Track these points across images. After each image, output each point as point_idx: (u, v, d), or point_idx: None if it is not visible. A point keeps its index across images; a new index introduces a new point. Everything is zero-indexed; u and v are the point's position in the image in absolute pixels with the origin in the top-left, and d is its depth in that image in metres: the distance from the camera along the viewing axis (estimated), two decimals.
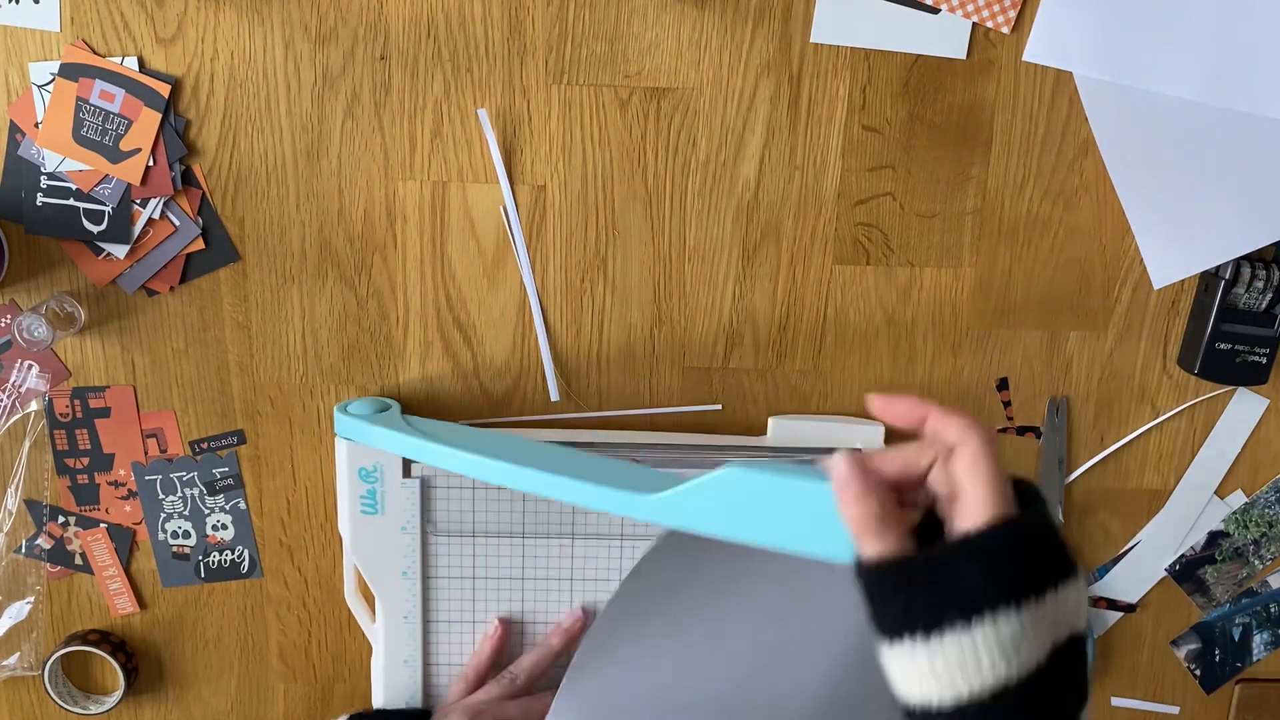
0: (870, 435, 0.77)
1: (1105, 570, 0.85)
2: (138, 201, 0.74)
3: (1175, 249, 0.76)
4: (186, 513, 0.81)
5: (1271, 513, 0.84)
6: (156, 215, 0.74)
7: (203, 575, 0.82)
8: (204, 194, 0.74)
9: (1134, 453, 0.82)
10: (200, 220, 0.75)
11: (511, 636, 0.79)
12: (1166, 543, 0.84)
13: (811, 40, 0.73)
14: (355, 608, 0.80)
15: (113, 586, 0.82)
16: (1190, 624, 0.86)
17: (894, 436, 0.80)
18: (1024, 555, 0.47)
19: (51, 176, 0.73)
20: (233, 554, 0.82)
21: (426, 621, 0.78)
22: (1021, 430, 0.81)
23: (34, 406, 0.78)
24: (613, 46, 0.73)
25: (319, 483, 0.80)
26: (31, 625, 0.82)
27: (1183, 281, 0.78)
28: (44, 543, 0.81)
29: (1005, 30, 0.73)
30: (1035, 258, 0.78)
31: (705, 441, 0.78)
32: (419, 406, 0.79)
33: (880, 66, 0.74)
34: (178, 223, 0.75)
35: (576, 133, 0.74)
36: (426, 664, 0.79)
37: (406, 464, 0.75)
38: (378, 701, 0.80)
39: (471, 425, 0.79)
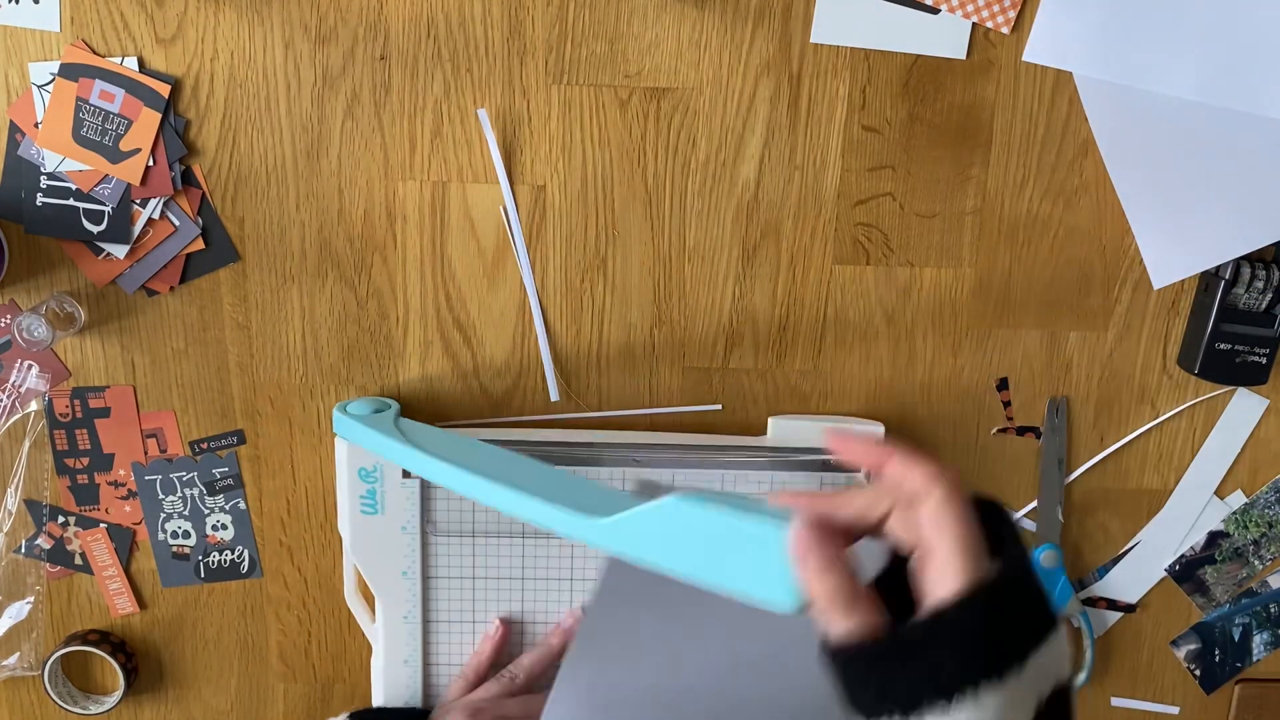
0: (870, 435, 0.77)
1: (1105, 570, 0.85)
2: (138, 201, 0.74)
3: (1175, 249, 0.76)
4: (186, 513, 0.81)
5: (1271, 513, 0.84)
6: (156, 215, 0.74)
7: (202, 575, 0.82)
8: (204, 194, 0.74)
9: (1134, 453, 0.82)
10: (200, 220, 0.75)
11: (511, 636, 0.79)
12: (1166, 543, 0.84)
13: (811, 40, 0.73)
14: (355, 608, 0.80)
15: (112, 586, 0.82)
16: (1190, 624, 0.86)
17: (894, 436, 0.80)
18: (1002, 624, 0.44)
19: (51, 176, 0.73)
20: (233, 554, 0.82)
21: (426, 621, 0.78)
22: (1021, 430, 0.81)
23: (34, 406, 0.78)
24: (613, 46, 0.73)
25: (319, 483, 0.80)
26: (31, 625, 0.82)
27: (1183, 281, 0.78)
28: (44, 543, 0.81)
29: (1005, 30, 0.73)
30: (1035, 258, 0.78)
31: (705, 441, 0.78)
32: (419, 406, 0.79)
33: (880, 66, 0.74)
34: (178, 223, 0.75)
35: (576, 133, 0.74)
36: (426, 664, 0.79)
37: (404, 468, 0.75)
38: (378, 701, 0.80)
39: (470, 425, 0.79)
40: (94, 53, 0.72)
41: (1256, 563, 0.85)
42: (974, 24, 0.73)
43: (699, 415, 0.80)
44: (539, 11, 0.72)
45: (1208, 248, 0.75)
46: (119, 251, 0.75)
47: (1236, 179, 0.74)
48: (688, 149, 0.75)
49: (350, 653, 0.84)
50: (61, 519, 0.80)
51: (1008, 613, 0.44)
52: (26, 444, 0.79)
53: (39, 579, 0.81)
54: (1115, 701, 0.88)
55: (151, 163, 0.73)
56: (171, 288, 0.76)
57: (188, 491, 0.80)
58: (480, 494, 0.64)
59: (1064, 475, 0.82)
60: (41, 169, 0.73)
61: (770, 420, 0.79)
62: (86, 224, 0.74)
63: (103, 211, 0.74)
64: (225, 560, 0.82)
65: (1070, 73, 0.74)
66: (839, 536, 0.47)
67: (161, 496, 0.80)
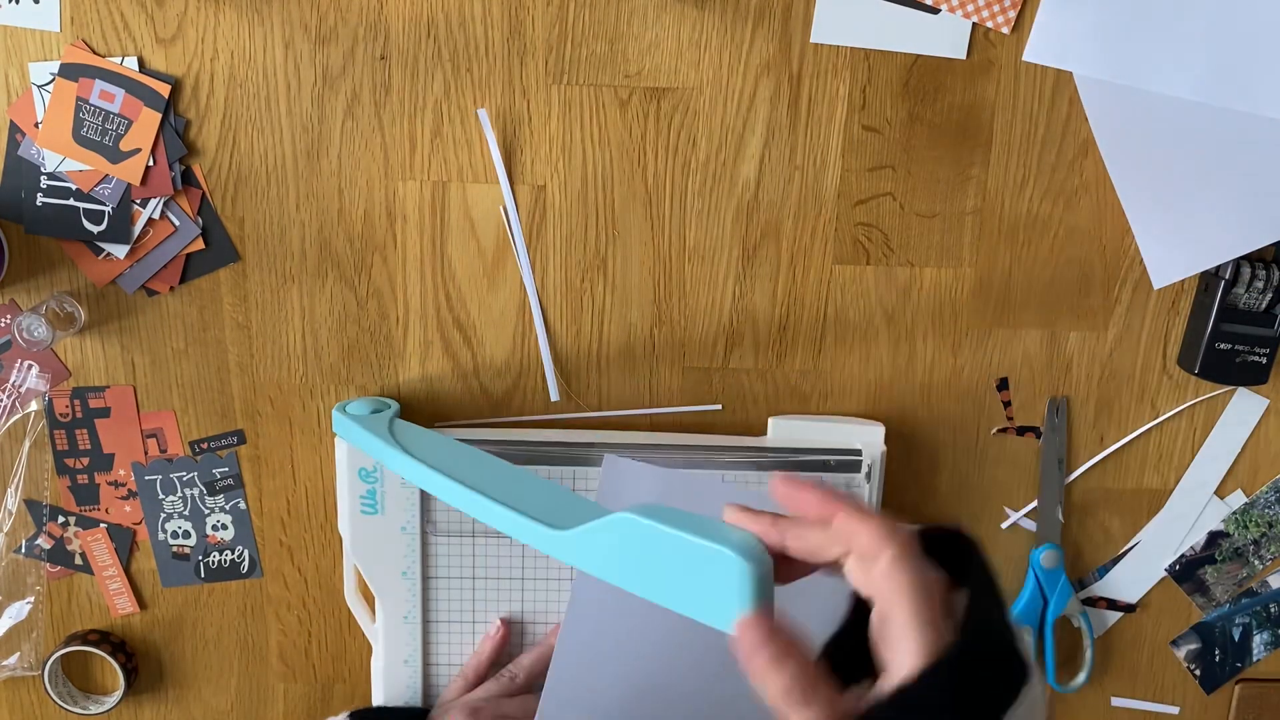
0: (870, 436, 0.77)
1: (1105, 570, 0.85)
2: (138, 201, 0.74)
3: (1175, 249, 0.76)
4: (186, 513, 0.81)
5: (1271, 513, 0.84)
6: (156, 215, 0.74)
7: (203, 575, 0.82)
8: (204, 194, 0.74)
9: (1134, 453, 0.82)
10: (200, 220, 0.75)
11: (511, 636, 0.79)
12: (1166, 543, 0.84)
13: (811, 40, 0.73)
14: (355, 608, 0.80)
15: (113, 586, 0.82)
16: (1190, 624, 0.86)
17: (893, 437, 0.80)
18: (971, 691, 0.41)
19: (51, 176, 0.73)
20: (233, 554, 0.82)
21: (426, 621, 0.78)
22: (1021, 430, 0.81)
23: (34, 406, 0.78)
24: (613, 46, 0.73)
25: (319, 483, 0.80)
26: (31, 625, 0.82)
27: (1183, 281, 0.78)
28: (44, 543, 0.81)
29: (1005, 30, 0.73)
30: (1035, 258, 0.78)
31: (705, 441, 0.77)
32: (419, 406, 0.79)
33: (880, 66, 0.74)
34: (178, 223, 0.75)
35: (576, 133, 0.74)
36: (426, 664, 0.79)
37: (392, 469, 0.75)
38: (378, 702, 0.80)
39: (470, 425, 0.79)
40: (94, 53, 0.72)
41: (1256, 563, 0.85)
42: (974, 24, 0.73)
43: (699, 415, 0.80)
44: (539, 11, 0.72)
45: (1208, 248, 0.75)
46: (119, 251, 0.75)
47: (1236, 179, 0.74)
48: (688, 149, 0.75)
49: (350, 653, 0.84)
50: (61, 519, 0.80)
51: (976, 677, 0.42)
52: (26, 444, 0.79)
53: (39, 579, 0.81)
54: (1115, 701, 0.88)
55: (151, 163, 0.73)
56: (171, 288, 0.76)
57: (188, 491, 0.80)
58: (451, 498, 0.64)
59: (1064, 475, 0.82)
60: (41, 169, 0.73)
61: (770, 420, 0.79)
62: (86, 224, 0.74)
63: (103, 211, 0.74)
64: (225, 560, 0.82)
65: (1070, 73, 0.74)
66: (785, 633, 0.44)
67: (161, 496, 0.80)
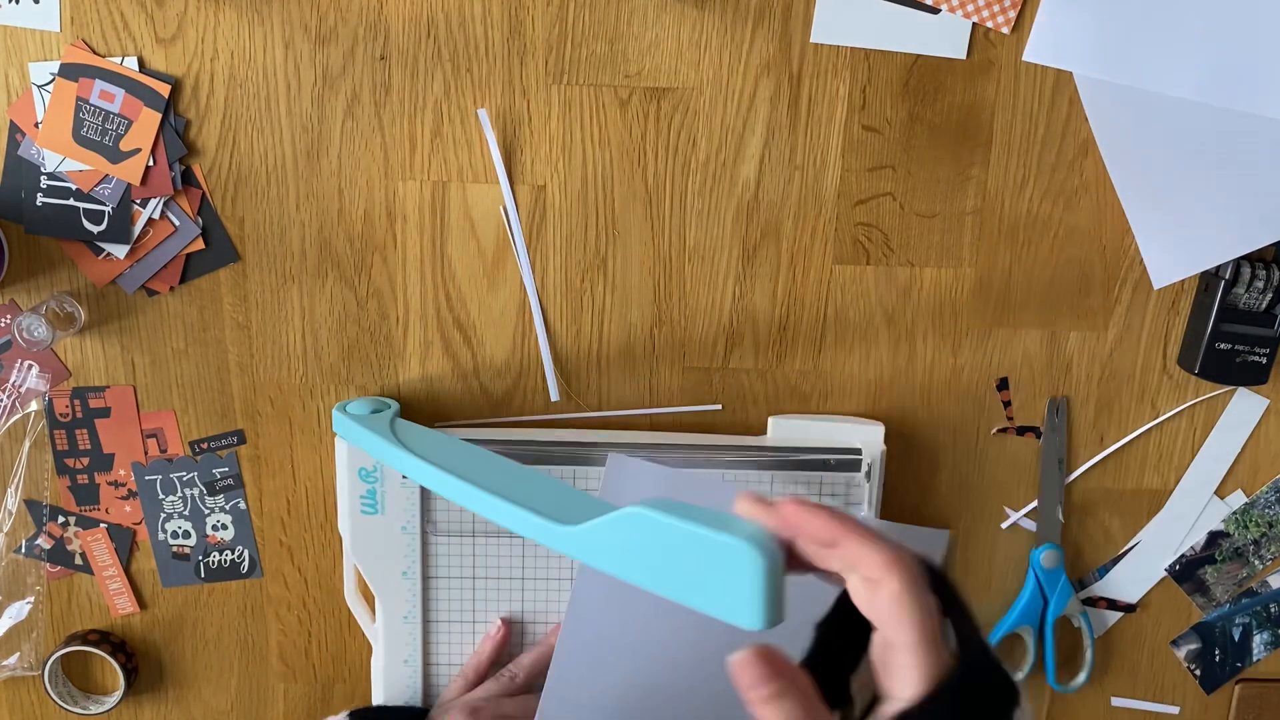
0: (870, 436, 0.77)
1: (1105, 570, 0.85)
2: (138, 201, 0.74)
3: (1175, 249, 0.76)
4: (186, 513, 0.81)
5: (1271, 513, 0.84)
6: (156, 215, 0.74)
7: (203, 575, 0.82)
8: (204, 194, 0.74)
9: (1134, 453, 0.82)
10: (200, 220, 0.75)
11: (511, 636, 0.79)
12: (1166, 543, 0.84)
13: (811, 40, 0.73)
14: (355, 608, 0.80)
15: (113, 586, 0.82)
16: (1190, 624, 0.86)
17: (893, 436, 0.80)
18: (970, 716, 0.42)
19: (51, 176, 0.73)
20: (233, 554, 0.82)
21: (426, 621, 0.78)
22: (1021, 430, 0.81)
23: (34, 406, 0.78)
24: (613, 46, 0.73)
25: (319, 483, 0.80)
26: (31, 625, 0.82)
27: (1183, 281, 0.78)
28: (44, 543, 0.81)
29: (1005, 30, 0.73)
30: (1035, 258, 0.78)
31: (705, 441, 0.78)
32: (419, 406, 0.79)
33: (880, 66, 0.74)
34: (178, 223, 0.75)
35: (576, 133, 0.74)
36: (426, 664, 0.79)
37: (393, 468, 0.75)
38: (378, 702, 0.80)
39: (470, 425, 0.79)
40: (94, 53, 0.72)
41: (1256, 562, 0.85)
42: (974, 24, 0.73)
43: (699, 415, 0.80)
44: (539, 11, 0.72)
45: (1208, 248, 0.75)
46: (119, 251, 0.75)
47: (1236, 179, 0.74)
48: (688, 149, 0.75)
49: (350, 653, 0.84)
50: (61, 519, 0.80)
51: (976, 701, 0.43)
52: (26, 444, 0.79)
53: (39, 579, 0.81)
54: (1115, 701, 0.88)
55: (151, 163, 0.73)
56: (171, 288, 0.76)
57: (188, 491, 0.80)
58: (457, 496, 0.64)
59: (1064, 475, 0.82)
60: (41, 169, 0.73)
61: (770, 420, 0.79)
62: (86, 224, 0.74)
63: (103, 211, 0.74)
64: (225, 560, 0.82)
65: (1070, 73, 0.74)
66: (783, 667, 0.45)
67: (161, 496, 0.80)
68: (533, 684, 0.77)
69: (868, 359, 0.79)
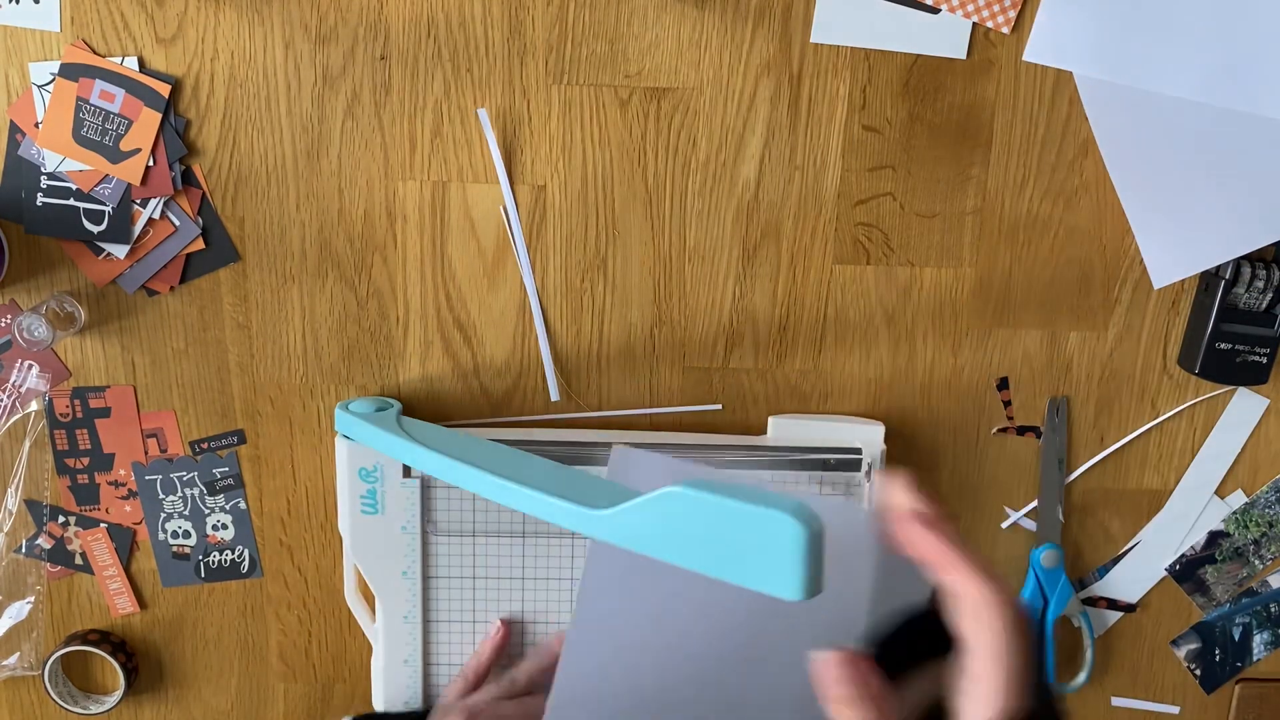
0: (870, 435, 0.77)
1: (1105, 570, 0.85)
2: (138, 201, 0.74)
3: (1175, 249, 0.76)
4: (186, 513, 0.81)
5: (1271, 513, 0.84)
6: (156, 215, 0.74)
7: (203, 575, 0.82)
8: (204, 194, 0.74)
9: (1134, 453, 0.82)
10: (200, 220, 0.75)
11: (512, 637, 0.79)
12: (1167, 542, 0.84)
13: (811, 40, 0.73)
14: (355, 608, 0.80)
15: (113, 586, 0.82)
16: (1190, 624, 0.86)
17: (893, 436, 0.80)
18: None
19: (51, 176, 0.73)
20: (233, 554, 0.82)
21: (426, 621, 0.78)
22: (1021, 430, 0.81)
23: (34, 406, 0.78)
24: (613, 46, 0.73)
25: (319, 483, 0.80)
26: (31, 625, 0.82)
27: (1183, 281, 0.78)
28: (44, 543, 0.81)
29: (1005, 30, 0.73)
30: (1035, 258, 0.78)
31: (705, 441, 0.78)
32: (419, 406, 0.79)
33: (880, 66, 0.74)
34: (178, 223, 0.75)
35: (576, 133, 0.74)
36: (426, 664, 0.79)
37: (406, 464, 0.75)
38: (377, 701, 0.80)
39: (471, 425, 0.79)
40: (94, 53, 0.72)
41: (1257, 562, 0.85)
42: (974, 24, 0.73)
43: (699, 415, 0.80)
44: (539, 11, 0.72)
45: (1208, 248, 0.75)
46: (119, 251, 0.75)
47: (1236, 179, 0.74)
48: (688, 149, 0.75)
49: (350, 653, 0.84)
50: (62, 519, 0.80)
51: None
52: (27, 444, 0.79)
53: (39, 579, 0.81)
54: (1115, 701, 0.88)
55: (152, 163, 0.73)
56: (171, 288, 0.76)
57: (188, 491, 0.80)
58: (483, 488, 0.64)
59: (1064, 475, 0.82)
60: (42, 169, 0.73)
61: (770, 420, 0.79)
62: (87, 224, 0.74)
63: (103, 211, 0.74)
64: (225, 560, 0.82)
65: (1070, 73, 0.74)
66: (866, 672, 0.46)
67: (162, 496, 0.80)
68: (533, 687, 0.77)
69: (868, 359, 0.79)
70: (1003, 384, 0.80)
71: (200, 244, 0.75)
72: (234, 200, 0.75)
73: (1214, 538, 0.84)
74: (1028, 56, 0.73)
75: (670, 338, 0.78)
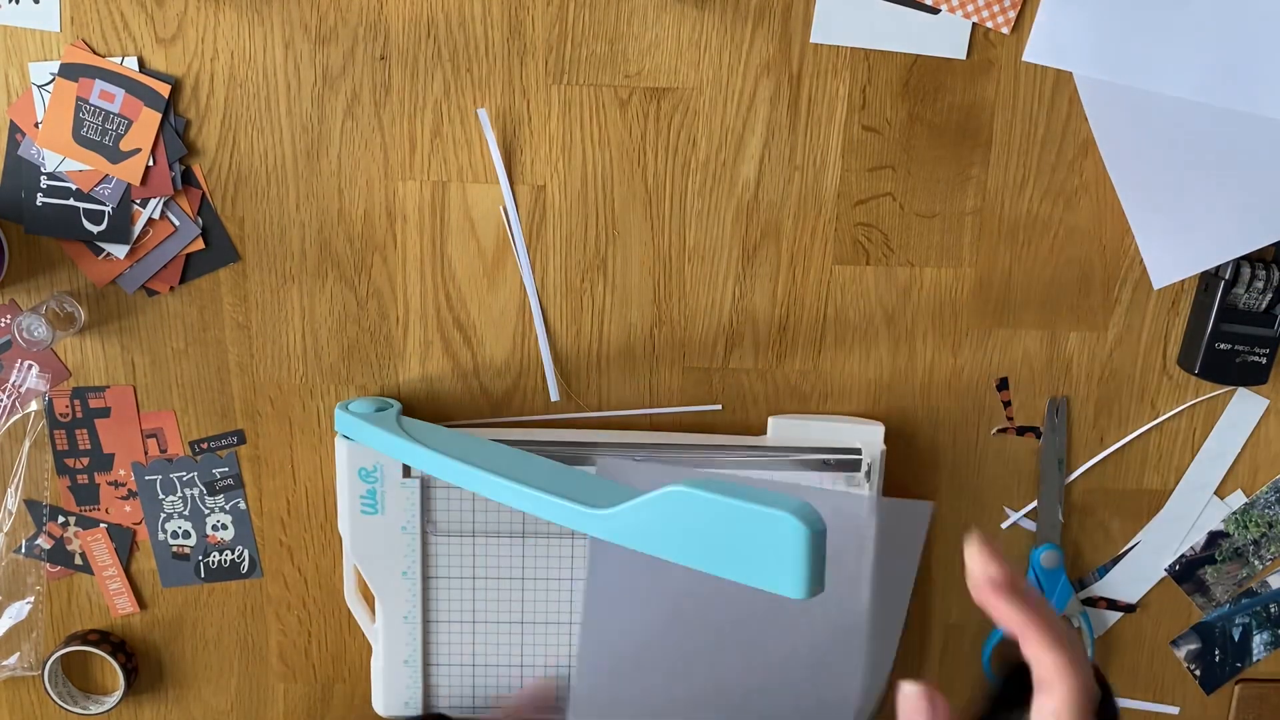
0: (870, 436, 0.77)
1: (1105, 570, 0.85)
2: (138, 201, 0.74)
3: (1175, 249, 0.76)
4: (186, 513, 0.81)
5: (1271, 513, 0.84)
6: (156, 215, 0.74)
7: (203, 575, 0.82)
8: (204, 194, 0.74)
9: (1134, 453, 0.82)
10: (200, 220, 0.75)
11: (525, 637, 0.79)
12: (1166, 543, 0.84)
13: (811, 40, 0.73)
14: (355, 608, 0.80)
15: (113, 586, 0.82)
16: (1190, 624, 0.86)
17: (893, 436, 0.80)
18: None
19: (51, 176, 0.73)
20: (233, 554, 0.82)
21: (426, 621, 0.78)
22: (1021, 430, 0.81)
23: (34, 406, 0.78)
24: (613, 46, 0.73)
25: (319, 483, 0.80)
26: (31, 625, 0.82)
27: (1183, 281, 0.78)
28: (44, 543, 0.81)
29: (1005, 30, 0.73)
30: (1035, 258, 0.78)
31: (705, 441, 0.78)
32: (419, 406, 0.79)
33: (880, 66, 0.74)
34: (178, 223, 0.75)
35: (576, 133, 0.74)
36: (426, 664, 0.79)
37: (406, 464, 0.75)
38: (377, 702, 0.80)
39: (471, 425, 0.79)
40: (94, 53, 0.72)
41: (1256, 563, 0.85)
42: (974, 24, 0.73)
43: (699, 415, 0.80)
44: (539, 11, 0.72)
45: (1208, 248, 0.75)
46: (119, 251, 0.75)
47: (1236, 179, 0.74)
48: (688, 149, 0.75)
49: (350, 653, 0.84)
50: (61, 519, 0.80)
51: None
52: (26, 444, 0.79)
53: (39, 579, 0.81)
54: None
55: (151, 163, 0.73)
56: (171, 288, 0.76)
57: (188, 491, 0.80)
58: (484, 488, 0.65)
59: (1064, 475, 0.82)
60: (41, 169, 0.73)
61: (770, 420, 0.79)
62: (86, 224, 0.74)
63: (103, 211, 0.74)
64: (225, 560, 0.82)
65: (1070, 73, 0.74)
66: (942, 704, 0.48)
67: (161, 496, 0.80)
68: None
69: (868, 359, 0.79)
70: (1003, 384, 0.80)
71: (200, 244, 0.75)
72: (234, 200, 0.75)
73: (1214, 538, 0.84)
74: (1028, 57, 0.73)
75: (670, 338, 0.78)
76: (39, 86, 0.72)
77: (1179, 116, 0.73)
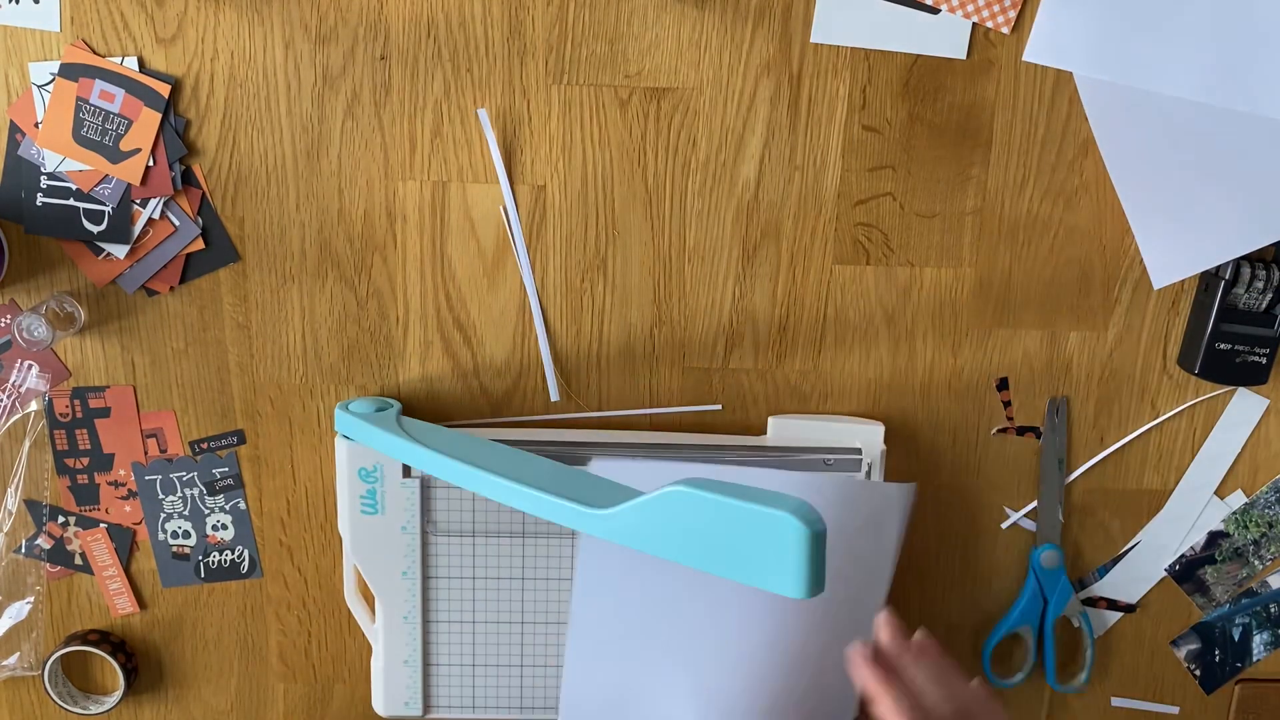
0: (870, 436, 0.77)
1: (1105, 570, 0.85)
2: (138, 201, 0.74)
3: (1175, 249, 0.76)
4: (186, 513, 0.81)
5: (1271, 513, 0.84)
6: (156, 215, 0.74)
7: (203, 575, 0.82)
8: (204, 194, 0.74)
9: (1134, 453, 0.82)
10: (200, 220, 0.75)
11: (516, 635, 0.79)
12: (1166, 543, 0.84)
13: (811, 40, 0.73)
14: (355, 608, 0.80)
15: (113, 586, 0.82)
16: (1190, 624, 0.86)
17: (893, 436, 0.80)
18: None
19: (51, 176, 0.73)
20: (233, 554, 0.82)
21: (426, 621, 0.78)
22: (1021, 430, 0.81)
23: (34, 406, 0.78)
24: (613, 46, 0.73)
25: (319, 483, 0.80)
26: (31, 625, 0.82)
27: (1183, 281, 0.78)
28: (44, 543, 0.81)
29: (1005, 30, 0.73)
30: (1035, 258, 0.78)
31: (705, 441, 0.78)
32: (419, 406, 0.79)
33: (880, 66, 0.74)
34: (178, 223, 0.75)
35: (576, 133, 0.74)
36: (426, 664, 0.79)
37: (406, 464, 0.75)
38: (377, 702, 0.80)
39: (471, 425, 0.79)
40: (94, 53, 0.72)
41: (1256, 563, 0.85)
42: (974, 24, 0.73)
43: (699, 415, 0.80)
44: (539, 11, 0.72)
45: (1208, 248, 0.75)
46: (119, 251, 0.75)
47: (1236, 179, 0.74)
48: (688, 149, 0.75)
49: (350, 653, 0.84)
50: (61, 519, 0.80)
51: None
52: (26, 444, 0.79)
53: (39, 579, 0.81)
54: (1115, 701, 0.88)
55: (151, 163, 0.73)
56: (171, 288, 0.76)
57: (188, 491, 0.80)
58: (484, 488, 0.65)
59: (1064, 475, 0.82)
60: (41, 169, 0.73)
61: (770, 420, 0.79)
62: (86, 224, 0.74)
63: (103, 211, 0.74)
64: (225, 560, 0.82)
65: (1070, 73, 0.74)
66: None
67: (161, 496, 0.80)
68: None
69: (868, 359, 0.79)
70: (1003, 384, 0.80)
71: (200, 244, 0.75)
72: (234, 200, 0.75)
73: (1214, 538, 0.84)
74: (1028, 56, 0.73)
75: (670, 338, 0.78)
76: (39, 86, 0.72)
77: (1179, 116, 0.73)
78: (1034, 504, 0.83)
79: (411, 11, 0.72)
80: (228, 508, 0.81)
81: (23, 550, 0.81)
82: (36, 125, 0.72)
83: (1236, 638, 0.86)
